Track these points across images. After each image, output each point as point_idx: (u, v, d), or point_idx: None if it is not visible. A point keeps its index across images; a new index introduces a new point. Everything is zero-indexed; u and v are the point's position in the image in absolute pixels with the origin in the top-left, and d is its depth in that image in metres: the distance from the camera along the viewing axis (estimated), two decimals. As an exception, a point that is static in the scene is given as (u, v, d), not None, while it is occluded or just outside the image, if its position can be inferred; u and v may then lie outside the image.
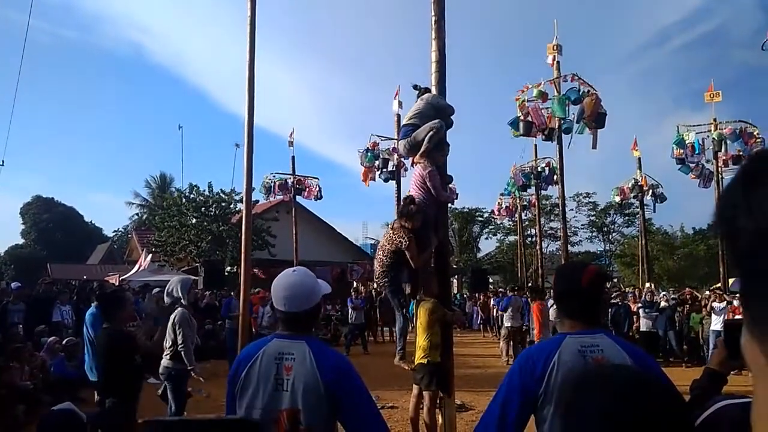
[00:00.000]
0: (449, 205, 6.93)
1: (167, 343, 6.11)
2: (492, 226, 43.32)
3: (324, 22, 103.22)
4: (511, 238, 40.05)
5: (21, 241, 51.49)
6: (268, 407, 2.23)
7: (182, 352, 6.03)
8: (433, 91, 5.68)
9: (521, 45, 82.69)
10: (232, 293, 14.12)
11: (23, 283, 13.98)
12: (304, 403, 2.19)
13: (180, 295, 6.18)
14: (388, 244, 5.39)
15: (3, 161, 32.35)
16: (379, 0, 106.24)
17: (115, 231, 52.19)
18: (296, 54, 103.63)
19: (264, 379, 2.25)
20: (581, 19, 77.65)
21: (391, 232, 5.46)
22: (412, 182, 5.73)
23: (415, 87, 5.83)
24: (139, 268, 20.55)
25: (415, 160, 5.65)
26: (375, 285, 24.84)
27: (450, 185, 6.18)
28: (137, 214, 46.40)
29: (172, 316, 6.14)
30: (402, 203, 5.67)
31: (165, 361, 6.10)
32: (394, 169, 18.03)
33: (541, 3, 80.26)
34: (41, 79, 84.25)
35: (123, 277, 19.37)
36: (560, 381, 2.03)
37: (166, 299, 6.31)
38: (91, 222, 55.17)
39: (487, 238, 45.70)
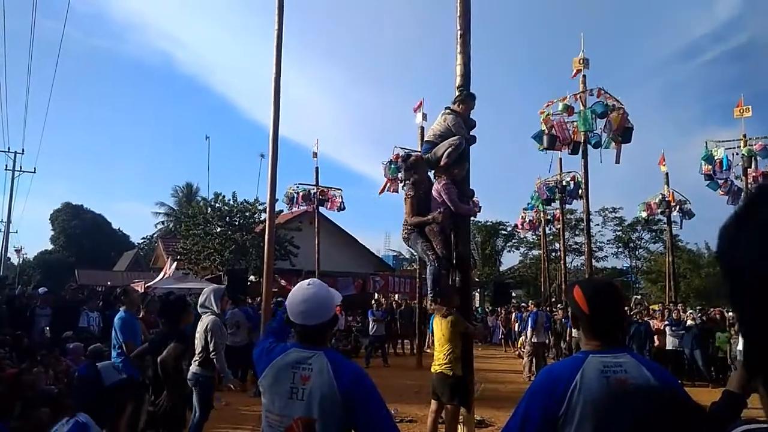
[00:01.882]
0: (472, 218, 6.92)
1: (197, 349, 6.13)
2: (515, 240, 42.99)
3: (349, 35, 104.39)
4: (535, 252, 39.67)
5: (50, 246, 52.64)
6: (282, 414, 2.26)
7: (215, 360, 6.06)
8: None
9: (546, 57, 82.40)
10: (236, 306, 13.01)
11: (50, 288, 14.19)
12: (320, 412, 2.20)
13: (214, 304, 6.25)
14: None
15: (35, 168, 33.53)
16: (406, 13, 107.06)
17: (143, 238, 52.97)
18: (322, 65, 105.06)
19: (279, 387, 2.29)
20: (607, 32, 77.12)
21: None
22: (432, 196, 5.77)
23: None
24: (164, 275, 20.76)
25: (436, 175, 5.74)
26: (397, 296, 24.93)
27: (473, 198, 6.18)
28: (163, 222, 47.06)
29: (204, 324, 6.14)
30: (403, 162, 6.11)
31: (194, 368, 6.09)
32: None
33: (567, 16, 79.95)
34: (73, 88, 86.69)
35: (148, 284, 19.56)
36: (582, 402, 1.99)
37: (200, 309, 6.35)
38: (119, 229, 56.13)
39: (510, 252, 45.33)
